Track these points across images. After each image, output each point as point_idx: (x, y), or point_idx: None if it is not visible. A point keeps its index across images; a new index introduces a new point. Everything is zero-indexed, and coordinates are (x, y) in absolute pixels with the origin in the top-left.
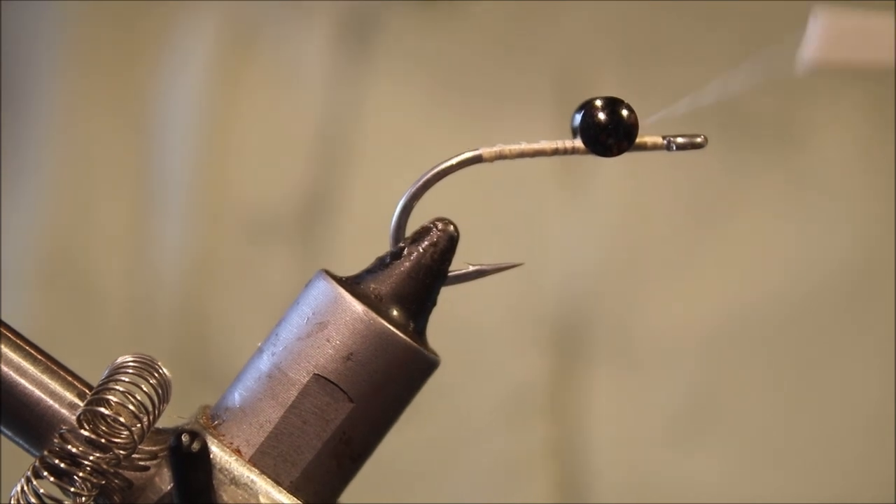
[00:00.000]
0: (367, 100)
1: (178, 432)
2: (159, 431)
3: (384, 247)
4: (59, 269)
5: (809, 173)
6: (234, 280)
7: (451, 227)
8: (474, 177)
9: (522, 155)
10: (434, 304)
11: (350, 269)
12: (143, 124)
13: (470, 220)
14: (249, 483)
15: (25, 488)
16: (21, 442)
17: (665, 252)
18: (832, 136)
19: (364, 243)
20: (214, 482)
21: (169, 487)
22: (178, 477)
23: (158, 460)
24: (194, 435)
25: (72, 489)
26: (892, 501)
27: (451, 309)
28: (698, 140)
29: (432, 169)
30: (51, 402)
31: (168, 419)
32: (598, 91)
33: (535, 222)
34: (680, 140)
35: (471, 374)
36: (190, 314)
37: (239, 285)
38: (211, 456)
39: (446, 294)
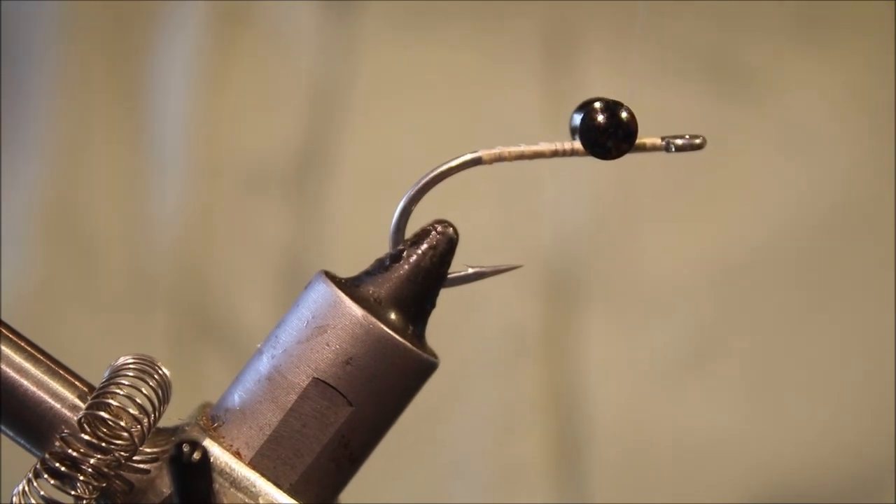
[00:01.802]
0: (358, 55)
1: (178, 442)
2: (160, 432)
3: (374, 201)
4: (59, 224)
5: (802, 113)
6: (230, 233)
7: (451, 230)
8: (465, 131)
9: (522, 157)
10: (433, 306)
11: (344, 219)
12: (140, 83)
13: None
14: (250, 486)
15: (27, 489)
16: (23, 442)
17: (659, 196)
18: (824, 77)
19: (357, 196)
20: (215, 486)
21: (170, 490)
22: (179, 487)
23: (160, 463)
24: (195, 445)
25: (73, 492)
26: (892, 437)
27: None
28: (697, 141)
29: (431, 172)
30: (52, 402)
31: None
32: (586, 46)
33: (527, 169)
34: (679, 141)
35: (467, 321)
36: (187, 267)
37: (235, 238)
38: (212, 459)
39: None
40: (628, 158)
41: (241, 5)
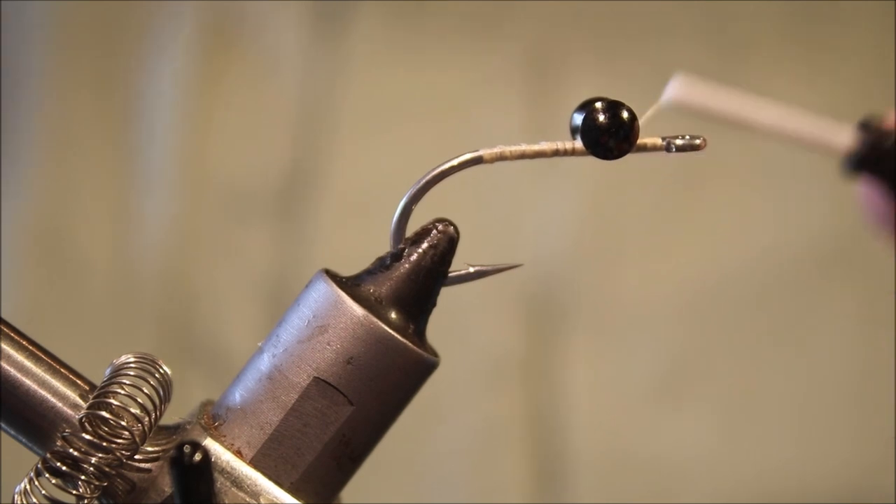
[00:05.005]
0: (344, 79)
1: (179, 443)
2: (162, 430)
3: (361, 221)
4: (46, 244)
5: (781, 150)
6: (217, 255)
7: (451, 229)
8: (451, 153)
9: (523, 156)
10: (434, 304)
11: (328, 241)
12: (128, 106)
13: (445, 194)
14: (251, 485)
15: (29, 488)
16: (24, 441)
17: (640, 223)
18: (810, 102)
19: (342, 217)
20: (217, 485)
21: (172, 489)
22: (180, 489)
23: (161, 461)
24: (196, 446)
25: (74, 491)
26: (868, 465)
27: None
28: (697, 142)
29: (432, 171)
30: (54, 401)
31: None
32: (570, 69)
33: (511, 195)
34: (679, 141)
35: (451, 344)
36: (174, 288)
37: (222, 260)
38: (213, 459)
39: None
40: (612, 181)
41: (228, 26)
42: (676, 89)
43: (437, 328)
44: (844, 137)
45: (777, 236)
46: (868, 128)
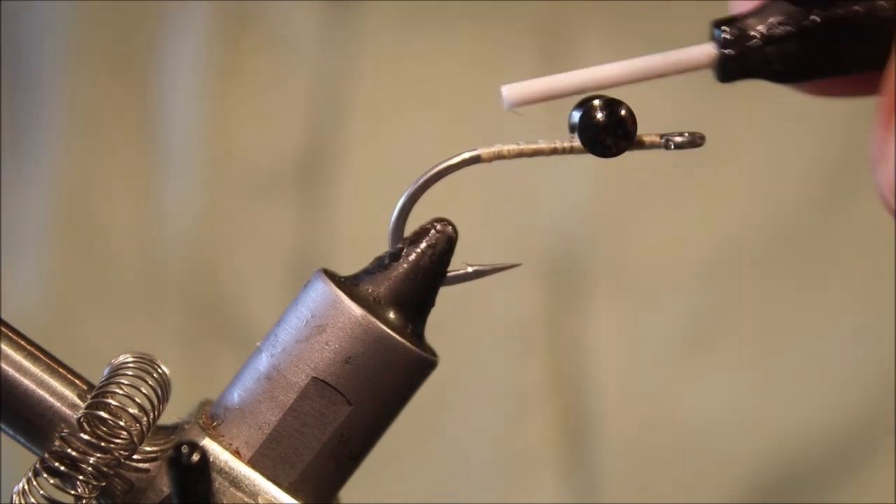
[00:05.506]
0: (361, 57)
1: (177, 444)
2: (160, 430)
3: (380, 199)
4: (72, 226)
5: (794, 97)
6: (240, 233)
7: (450, 228)
8: (468, 131)
9: (521, 155)
10: (433, 304)
11: (351, 218)
12: (149, 89)
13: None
14: (249, 485)
15: (27, 488)
16: (23, 441)
17: (658, 182)
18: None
19: (363, 194)
20: (215, 485)
21: (170, 489)
22: (178, 489)
23: (159, 462)
24: (193, 446)
25: (73, 491)
26: (890, 412)
27: None
28: (696, 139)
29: (430, 170)
30: (52, 401)
31: (180, 365)
32: (583, 44)
33: (528, 161)
34: (678, 139)
35: (471, 310)
36: (198, 267)
37: (245, 238)
38: (211, 459)
39: None
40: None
41: (244, 9)
42: (508, 95)
43: (459, 295)
44: (703, 49)
45: (792, 189)
46: (725, 28)
